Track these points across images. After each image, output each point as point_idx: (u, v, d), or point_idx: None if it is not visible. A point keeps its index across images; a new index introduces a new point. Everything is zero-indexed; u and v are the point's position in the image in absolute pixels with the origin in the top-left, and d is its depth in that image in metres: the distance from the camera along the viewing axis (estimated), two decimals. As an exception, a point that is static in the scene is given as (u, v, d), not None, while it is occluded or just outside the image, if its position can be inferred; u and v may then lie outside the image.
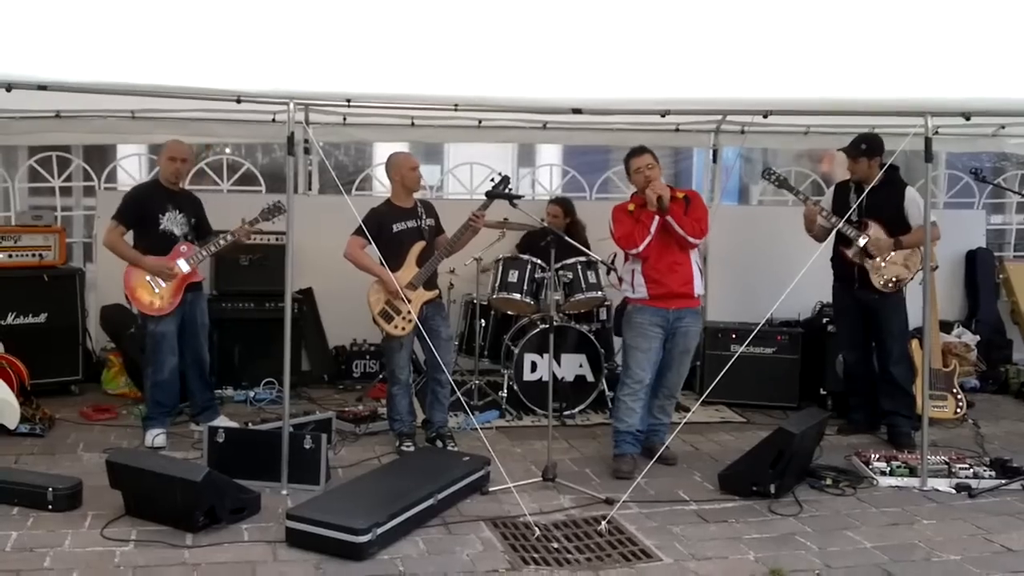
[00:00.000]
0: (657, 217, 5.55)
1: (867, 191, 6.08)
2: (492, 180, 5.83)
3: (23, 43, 4.59)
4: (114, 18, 4.69)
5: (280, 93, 4.96)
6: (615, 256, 6.29)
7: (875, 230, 6.23)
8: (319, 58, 4.87)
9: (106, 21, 4.68)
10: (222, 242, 6.00)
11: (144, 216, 5.92)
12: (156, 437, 5.94)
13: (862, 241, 6.21)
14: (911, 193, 6.31)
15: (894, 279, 6.23)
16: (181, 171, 6.07)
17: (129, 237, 5.98)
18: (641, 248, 5.57)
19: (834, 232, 6.33)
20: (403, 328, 5.83)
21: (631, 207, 5.72)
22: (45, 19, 4.62)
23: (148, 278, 5.86)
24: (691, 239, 5.62)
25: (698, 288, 5.74)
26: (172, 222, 5.95)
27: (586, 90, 5.17)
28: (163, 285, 5.86)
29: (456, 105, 5.48)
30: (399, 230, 5.88)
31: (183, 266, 5.91)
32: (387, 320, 5.83)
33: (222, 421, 6.08)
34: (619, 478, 5.51)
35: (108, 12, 4.71)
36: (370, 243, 5.68)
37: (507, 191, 5.75)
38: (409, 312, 5.77)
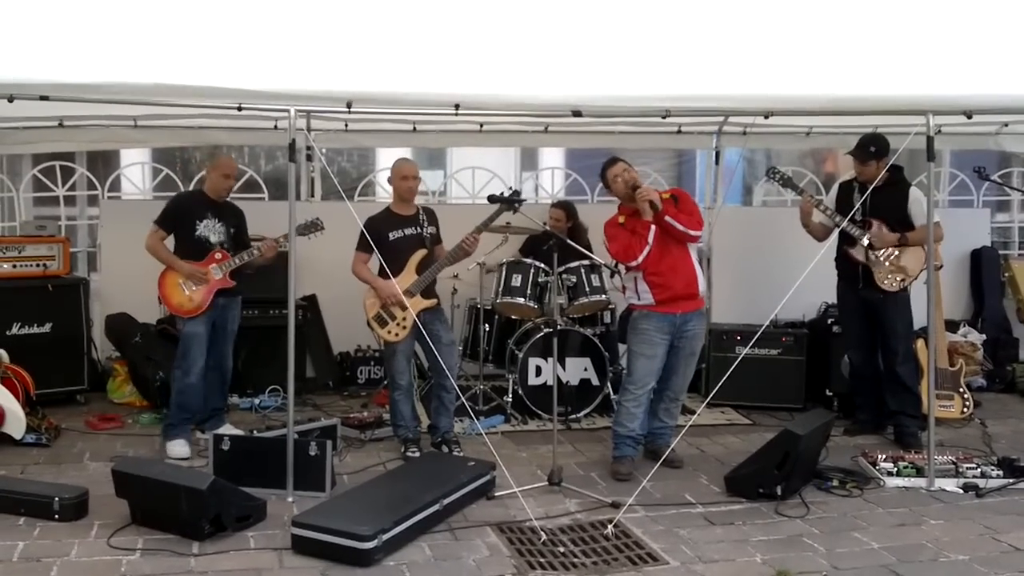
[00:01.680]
0: (653, 226, 5.54)
1: (871, 191, 6.07)
2: (502, 193, 5.84)
3: (24, 51, 4.58)
4: (115, 25, 4.70)
5: (281, 92, 4.94)
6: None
7: (878, 228, 6.21)
8: (319, 60, 4.87)
9: (107, 28, 4.68)
10: (256, 252, 6.06)
11: (182, 222, 6.01)
12: (180, 448, 5.91)
13: (866, 240, 6.19)
14: (915, 193, 6.29)
15: (899, 278, 6.22)
16: (232, 188, 6.22)
17: (170, 242, 6.08)
18: (640, 259, 5.55)
19: (837, 231, 6.31)
20: (397, 334, 5.83)
21: (621, 219, 5.72)
22: (46, 27, 4.62)
23: (180, 281, 5.92)
24: (692, 232, 5.62)
25: (701, 286, 5.75)
26: (209, 229, 6.02)
27: (587, 88, 5.15)
28: (194, 288, 5.92)
29: (457, 106, 5.48)
30: (396, 238, 5.88)
31: (215, 272, 5.96)
32: (381, 325, 5.84)
33: (227, 429, 6.08)
34: (618, 480, 5.52)
35: (109, 20, 4.72)
36: (371, 255, 5.71)
37: (510, 197, 5.75)
38: (404, 318, 5.77)
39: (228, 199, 6.24)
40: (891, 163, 6.21)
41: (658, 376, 5.70)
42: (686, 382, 5.92)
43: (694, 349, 5.80)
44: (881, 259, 6.23)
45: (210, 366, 6.13)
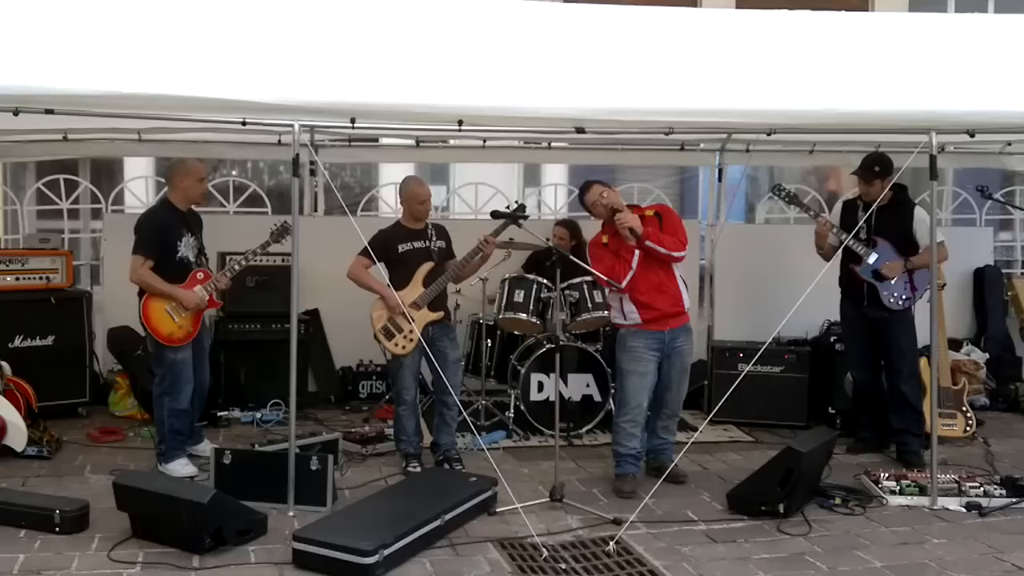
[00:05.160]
0: (637, 251, 5.55)
1: (875, 210, 6.08)
2: (508, 208, 5.85)
3: (30, 62, 4.58)
4: (119, 38, 4.70)
5: (285, 104, 4.91)
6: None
7: (884, 247, 6.21)
8: (324, 73, 4.87)
9: (111, 41, 4.68)
10: (236, 268, 6.01)
11: (165, 245, 5.78)
12: (185, 467, 5.82)
13: (872, 259, 6.19)
14: (920, 213, 6.30)
15: (904, 297, 6.21)
16: (206, 190, 6.02)
17: None
18: (624, 284, 5.57)
19: (841, 250, 6.31)
20: (404, 347, 5.82)
21: (605, 239, 5.74)
22: (51, 38, 4.62)
23: (168, 309, 5.72)
24: (675, 255, 5.64)
25: (686, 304, 5.77)
26: (187, 247, 5.85)
27: (590, 102, 5.14)
28: (183, 315, 5.75)
29: (460, 122, 5.48)
30: (405, 250, 5.89)
31: (202, 295, 5.85)
32: (388, 338, 5.83)
33: (205, 446, 6.05)
34: (620, 498, 5.50)
35: (113, 33, 4.73)
36: (374, 263, 5.70)
37: (514, 212, 5.77)
38: (411, 331, 5.76)
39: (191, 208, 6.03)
40: (895, 182, 6.21)
41: (651, 394, 5.69)
42: (682, 397, 5.91)
43: (685, 365, 5.81)
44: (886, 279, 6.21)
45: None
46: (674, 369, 5.74)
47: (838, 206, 6.69)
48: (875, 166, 6.20)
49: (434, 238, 6.01)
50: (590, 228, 7.73)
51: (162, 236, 5.79)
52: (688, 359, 5.83)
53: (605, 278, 5.66)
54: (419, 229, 6.00)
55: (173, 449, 5.87)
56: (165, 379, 5.81)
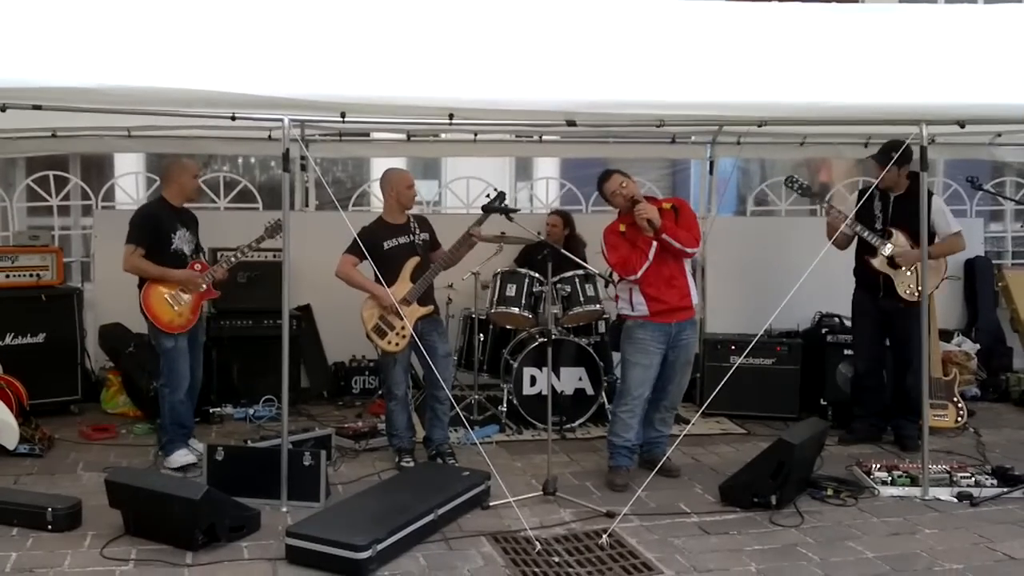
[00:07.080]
0: (655, 242, 5.55)
1: (893, 200, 6.06)
2: (488, 196, 5.84)
3: (17, 56, 4.54)
4: (107, 32, 4.67)
5: (275, 97, 4.88)
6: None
7: (899, 238, 6.20)
8: (313, 67, 4.85)
9: (99, 36, 4.65)
10: (233, 260, 6.00)
11: (158, 236, 5.83)
12: (185, 456, 5.84)
13: (887, 250, 6.18)
14: (937, 202, 6.29)
15: (920, 289, 6.21)
16: (199, 186, 6.06)
17: None
18: (640, 274, 5.56)
19: (856, 240, 6.29)
20: (397, 344, 5.81)
21: (622, 227, 5.72)
22: (39, 32, 4.58)
23: (167, 296, 5.78)
24: (688, 250, 5.64)
25: (694, 299, 5.77)
26: (182, 240, 5.90)
27: (581, 95, 5.13)
28: (183, 303, 5.81)
29: (451, 115, 5.46)
30: (391, 247, 5.88)
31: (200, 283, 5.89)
32: (380, 336, 5.82)
33: (194, 444, 6.04)
34: (613, 491, 5.51)
35: (101, 27, 4.70)
36: (362, 260, 5.70)
37: (503, 205, 5.76)
38: (403, 328, 5.76)
39: (185, 206, 6.10)
40: (912, 171, 6.18)
41: (652, 385, 5.70)
42: (682, 391, 5.94)
43: (688, 358, 5.83)
44: (903, 269, 6.21)
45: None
46: (678, 362, 5.75)
47: (853, 195, 6.67)
48: (891, 152, 6.14)
49: (417, 231, 6.01)
50: (581, 220, 7.77)
51: (154, 227, 5.85)
52: (692, 353, 5.86)
53: (602, 272, 5.67)
54: (402, 223, 5.99)
55: (173, 442, 5.91)
56: (163, 370, 5.87)
